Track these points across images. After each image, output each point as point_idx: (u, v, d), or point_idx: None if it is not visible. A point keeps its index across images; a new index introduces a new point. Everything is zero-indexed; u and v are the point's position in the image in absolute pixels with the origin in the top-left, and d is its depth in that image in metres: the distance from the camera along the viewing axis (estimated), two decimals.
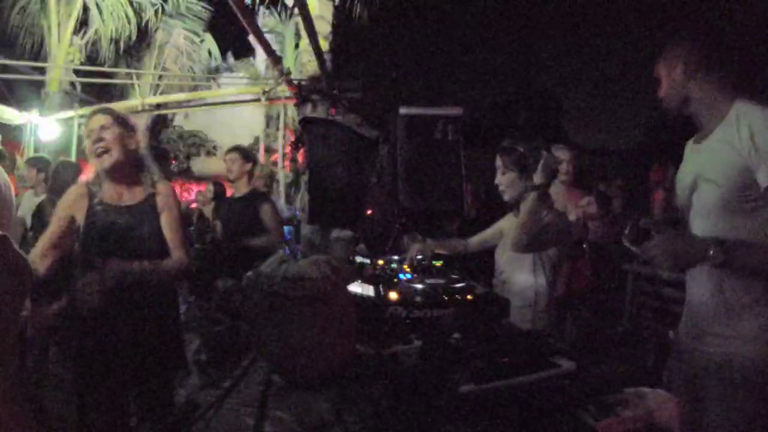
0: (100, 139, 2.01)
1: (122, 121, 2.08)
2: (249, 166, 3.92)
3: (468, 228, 5.44)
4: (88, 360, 2.03)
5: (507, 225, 2.42)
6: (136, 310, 2.03)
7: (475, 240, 2.58)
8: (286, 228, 6.69)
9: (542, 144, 2.25)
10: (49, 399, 3.70)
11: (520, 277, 2.24)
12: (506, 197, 2.30)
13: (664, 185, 5.60)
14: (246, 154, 3.95)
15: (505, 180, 2.26)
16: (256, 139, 15.92)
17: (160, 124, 13.93)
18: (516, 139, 2.28)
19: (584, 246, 3.76)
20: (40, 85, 9.48)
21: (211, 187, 6.43)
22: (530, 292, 2.20)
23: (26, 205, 4.27)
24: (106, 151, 2.01)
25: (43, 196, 4.44)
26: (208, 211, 5.23)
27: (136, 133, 2.13)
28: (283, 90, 7.62)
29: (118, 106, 9.44)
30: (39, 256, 1.96)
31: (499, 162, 2.29)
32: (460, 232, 5.63)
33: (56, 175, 4.01)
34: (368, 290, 1.76)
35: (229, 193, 5.18)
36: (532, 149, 2.21)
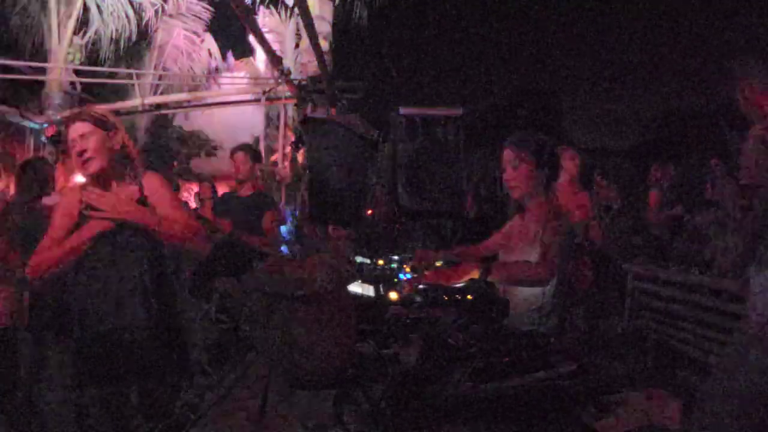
0: (83, 150, 1.99)
1: (102, 124, 2.05)
2: (256, 167, 3.87)
3: (469, 228, 5.44)
4: (90, 359, 2.04)
5: (515, 228, 2.34)
6: (139, 309, 2.05)
7: (485, 246, 2.51)
8: (285, 228, 6.68)
9: (547, 139, 2.20)
10: (48, 399, 3.70)
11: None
12: (516, 194, 2.19)
13: (661, 185, 5.60)
14: (255, 154, 3.88)
15: (517, 175, 2.15)
16: (256, 139, 15.90)
17: (159, 123, 13.92)
18: (525, 132, 2.22)
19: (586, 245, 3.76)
20: (40, 85, 9.48)
21: (207, 186, 6.41)
22: (535, 296, 2.12)
23: None
24: (91, 159, 2.00)
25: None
26: (205, 211, 5.18)
27: (119, 132, 2.09)
28: (283, 90, 7.63)
29: (118, 106, 9.45)
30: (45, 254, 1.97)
31: (511, 156, 2.16)
32: (461, 232, 5.62)
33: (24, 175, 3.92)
34: (368, 290, 1.76)
35: (220, 191, 5.11)
36: (543, 140, 2.16)
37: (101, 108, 2.16)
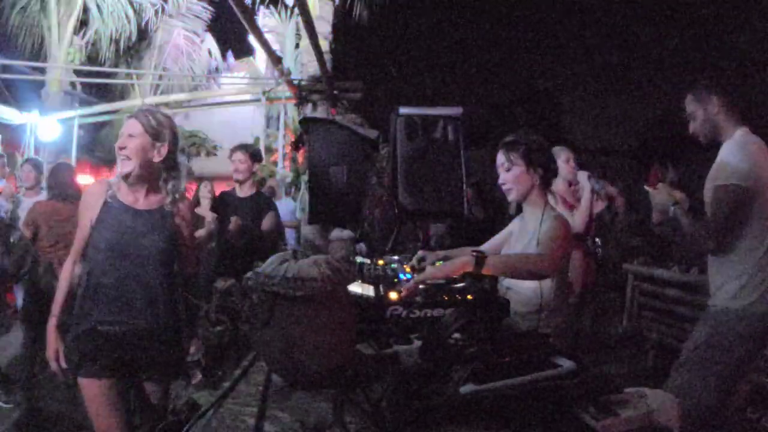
0: (123, 147, 2.05)
1: (153, 132, 2.07)
2: (256, 166, 3.82)
3: (468, 228, 5.43)
4: (90, 359, 2.06)
5: (514, 229, 2.34)
6: (138, 312, 2.08)
7: (486, 248, 2.50)
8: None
9: (542, 138, 2.19)
10: (49, 399, 3.71)
11: (525, 282, 2.16)
12: (512, 196, 2.19)
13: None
14: (254, 154, 3.83)
15: (510, 177, 2.15)
16: (256, 140, 15.86)
17: None
18: (517, 133, 2.21)
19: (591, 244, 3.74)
20: (40, 85, 9.48)
21: (204, 188, 6.39)
22: (536, 297, 2.12)
23: (25, 204, 4.30)
24: (126, 158, 2.05)
25: (40, 195, 4.47)
26: (202, 211, 5.13)
27: (165, 145, 2.10)
28: (283, 90, 7.64)
29: (118, 106, 9.45)
30: (72, 266, 2.07)
31: (502, 159, 2.17)
32: (461, 232, 5.61)
33: (53, 177, 3.99)
34: (368, 290, 1.76)
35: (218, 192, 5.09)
36: (534, 141, 2.15)
37: (165, 115, 2.16)
